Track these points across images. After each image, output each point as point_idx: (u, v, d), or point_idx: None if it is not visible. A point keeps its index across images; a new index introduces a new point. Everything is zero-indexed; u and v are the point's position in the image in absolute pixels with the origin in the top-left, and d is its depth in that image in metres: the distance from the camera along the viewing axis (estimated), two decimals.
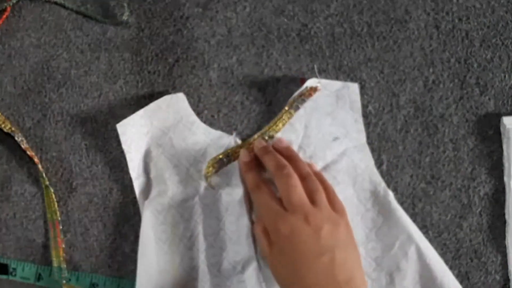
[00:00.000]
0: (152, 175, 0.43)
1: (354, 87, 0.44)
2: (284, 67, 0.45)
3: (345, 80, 0.45)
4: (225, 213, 0.42)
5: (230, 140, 0.44)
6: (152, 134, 0.43)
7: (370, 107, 0.45)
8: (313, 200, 0.37)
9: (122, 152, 0.43)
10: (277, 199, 0.37)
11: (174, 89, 0.45)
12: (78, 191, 0.44)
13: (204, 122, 0.44)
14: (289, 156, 0.40)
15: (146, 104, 0.43)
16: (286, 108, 0.43)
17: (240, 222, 0.41)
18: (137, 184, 0.43)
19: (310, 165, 0.41)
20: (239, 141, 0.44)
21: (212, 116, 0.45)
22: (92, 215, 0.44)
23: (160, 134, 0.43)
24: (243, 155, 0.41)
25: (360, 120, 0.44)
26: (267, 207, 0.37)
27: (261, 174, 0.40)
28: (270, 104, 0.45)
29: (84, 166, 0.45)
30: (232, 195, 0.42)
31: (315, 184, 0.38)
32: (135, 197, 0.44)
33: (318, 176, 0.40)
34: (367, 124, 0.44)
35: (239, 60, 0.45)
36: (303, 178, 0.38)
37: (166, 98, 0.43)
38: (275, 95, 0.45)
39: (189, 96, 0.45)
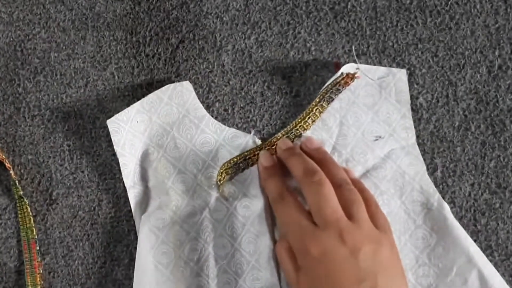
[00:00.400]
0: (150, 184, 0.43)
1: (401, 74, 0.43)
2: (315, 49, 0.45)
3: (390, 65, 0.44)
4: (242, 231, 0.41)
5: (247, 140, 0.43)
6: (151, 132, 0.43)
7: (421, 99, 0.44)
8: (350, 214, 0.37)
9: (113, 154, 0.43)
10: (306, 213, 0.38)
11: (178, 77, 0.45)
12: (59, 203, 0.44)
13: (216, 118, 0.44)
14: (321, 159, 0.40)
15: (144, 95, 0.43)
16: (317, 100, 0.42)
17: (260, 242, 0.41)
18: (132, 195, 0.43)
19: (346, 171, 0.41)
20: (258, 141, 0.43)
21: (226, 110, 0.44)
22: (77, 233, 0.44)
23: (161, 132, 0.43)
24: (264, 158, 0.41)
25: (409, 115, 0.43)
26: (293, 223, 0.37)
27: (286, 181, 0.40)
28: (297, 95, 0.45)
29: (67, 172, 0.44)
30: (250, 208, 0.41)
31: (352, 193, 0.38)
32: (129, 211, 0.43)
33: (357, 184, 0.40)
34: (417, 120, 0.44)
35: (259, 40, 0.45)
36: (338, 186, 0.38)
37: (168, 88, 0.43)
38: (304, 84, 0.45)
39: (196, 85, 0.44)
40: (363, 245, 0.35)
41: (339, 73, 0.42)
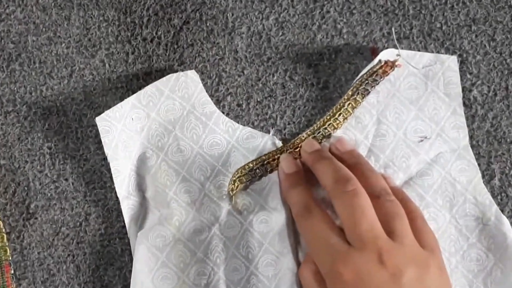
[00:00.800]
0: (148, 194, 0.44)
1: (451, 62, 0.43)
2: (347, 32, 0.45)
3: (437, 51, 0.44)
4: (259, 251, 0.41)
5: (265, 141, 0.44)
6: (149, 132, 0.43)
7: (475, 92, 0.44)
8: (390, 231, 0.37)
9: (104, 159, 0.44)
10: (337, 229, 0.38)
11: (182, 65, 0.45)
12: (38, 217, 0.44)
13: (227, 114, 0.44)
14: (355, 164, 0.40)
15: (140, 87, 0.43)
16: (350, 93, 0.42)
17: (281, 264, 0.41)
18: (127, 207, 0.43)
19: (385, 178, 0.41)
20: (279, 143, 0.44)
21: (239, 105, 0.45)
22: (60, 254, 0.44)
23: (161, 132, 0.43)
24: (286, 163, 0.41)
25: (461, 111, 0.43)
26: (322, 241, 0.37)
27: (313, 191, 0.41)
28: (325, 87, 0.45)
29: (48, 180, 0.45)
30: (269, 223, 0.42)
31: (393, 206, 0.38)
32: (123, 227, 0.44)
33: (398, 194, 0.40)
34: (470, 118, 0.44)
35: (279, 21, 0.45)
36: (376, 196, 0.38)
37: (170, 79, 0.43)
38: (333, 74, 0.45)
39: (204, 75, 0.45)
40: (406, 268, 0.35)
41: (376, 60, 0.42)
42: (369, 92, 0.42)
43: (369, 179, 0.39)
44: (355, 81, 0.42)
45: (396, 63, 0.41)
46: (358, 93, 0.42)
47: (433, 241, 0.38)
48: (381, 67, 0.41)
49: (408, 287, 0.35)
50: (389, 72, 0.41)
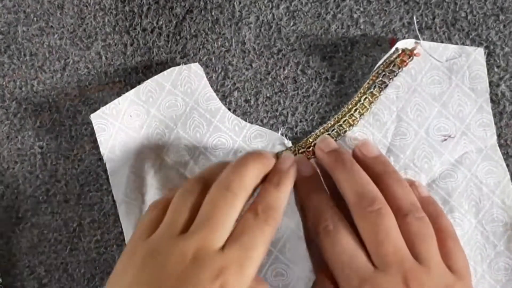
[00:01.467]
0: (148, 197, 0.43)
1: (478, 55, 0.43)
2: (363, 22, 0.44)
3: (462, 42, 0.43)
4: (268, 259, 0.42)
5: (274, 141, 0.43)
6: (148, 130, 0.43)
7: (503, 87, 0.43)
8: (417, 252, 0.36)
9: (100, 159, 0.44)
10: (362, 247, 0.37)
11: (185, 58, 0.44)
12: (28, 222, 0.44)
13: (234, 111, 0.44)
14: (381, 174, 0.39)
15: (140, 81, 0.43)
16: (366, 86, 0.42)
17: (292, 273, 0.41)
18: (124, 212, 0.43)
19: (416, 187, 0.40)
20: (289, 143, 0.43)
21: (247, 100, 0.44)
22: (51, 262, 0.44)
23: (161, 130, 0.43)
24: (301, 165, 0.40)
25: (488, 107, 0.43)
26: (347, 260, 0.36)
27: (331, 197, 0.39)
28: (340, 81, 0.44)
29: (39, 182, 0.44)
30: (279, 229, 0.41)
31: (422, 226, 0.37)
32: (121, 233, 0.44)
33: (429, 205, 0.39)
34: (498, 115, 0.43)
35: (290, 10, 0.44)
36: (404, 215, 0.37)
37: (171, 72, 0.43)
38: (349, 67, 0.44)
39: (209, 68, 0.44)
40: None
41: (393, 49, 0.42)
42: (387, 84, 0.41)
43: (396, 193, 0.38)
44: (371, 73, 0.42)
45: (415, 51, 0.41)
46: (375, 86, 0.42)
47: (464, 266, 0.37)
48: (398, 56, 0.41)
49: None
50: (407, 61, 0.41)
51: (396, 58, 0.41)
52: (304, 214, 0.40)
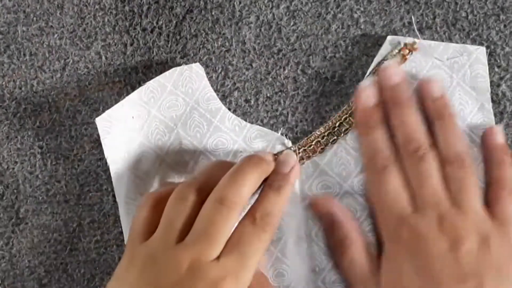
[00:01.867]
0: None
1: (479, 54, 0.42)
2: (364, 21, 0.44)
3: (463, 42, 0.43)
4: (270, 265, 0.42)
5: (275, 141, 0.43)
6: (148, 130, 0.43)
7: (503, 87, 0.43)
8: (456, 199, 0.37)
9: (100, 159, 0.44)
10: (408, 190, 0.38)
11: (185, 58, 0.44)
12: (28, 222, 0.44)
13: (234, 111, 0.44)
14: (437, 117, 0.39)
15: (140, 81, 0.44)
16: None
17: (293, 273, 0.41)
18: (125, 212, 0.43)
19: (490, 132, 0.40)
20: (289, 143, 0.43)
21: (247, 100, 0.44)
22: (51, 262, 0.44)
23: (162, 130, 0.43)
24: (364, 94, 0.40)
25: (489, 106, 0.43)
26: (390, 201, 0.37)
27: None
28: (341, 81, 0.44)
29: (39, 183, 0.44)
30: (280, 228, 0.41)
31: (465, 175, 0.37)
32: (121, 233, 0.44)
33: (498, 153, 0.39)
34: (498, 114, 0.43)
35: (290, 9, 0.44)
36: (450, 162, 0.37)
37: (173, 73, 0.43)
38: (349, 67, 0.44)
39: (209, 68, 0.44)
40: (467, 237, 0.35)
41: (385, 44, 0.42)
42: None
43: (446, 140, 0.38)
44: (369, 70, 0.42)
45: (415, 46, 0.41)
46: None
47: (507, 215, 0.37)
48: (400, 51, 0.41)
49: (467, 257, 0.35)
50: (407, 57, 0.41)
51: (397, 53, 0.41)
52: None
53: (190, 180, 0.37)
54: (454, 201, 0.37)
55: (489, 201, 0.37)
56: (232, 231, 0.35)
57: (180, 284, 0.33)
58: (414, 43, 0.42)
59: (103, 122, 0.42)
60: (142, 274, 0.33)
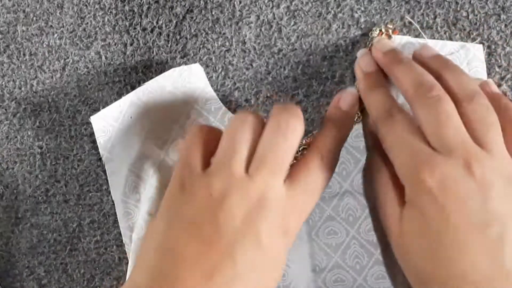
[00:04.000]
0: (146, 196, 0.43)
1: (477, 50, 0.43)
2: (364, 21, 0.44)
3: (464, 41, 0.43)
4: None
5: None
6: (148, 130, 0.43)
7: (504, 86, 0.43)
8: (479, 139, 0.35)
9: (99, 159, 0.44)
10: (422, 134, 0.36)
11: (185, 57, 0.45)
12: (27, 222, 0.45)
13: (234, 110, 0.44)
14: (443, 67, 0.38)
15: (139, 81, 0.44)
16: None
17: (292, 273, 0.41)
18: (122, 212, 0.44)
19: (487, 85, 0.40)
20: None
21: (247, 100, 0.44)
22: (51, 262, 0.44)
23: (161, 130, 0.43)
24: (364, 61, 0.41)
25: None
26: (404, 145, 0.36)
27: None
28: (341, 81, 0.44)
29: (38, 182, 0.45)
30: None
31: (485, 112, 0.36)
32: (120, 234, 0.44)
33: (498, 100, 0.38)
34: None
35: (291, 9, 0.44)
36: (469, 99, 0.36)
37: (172, 73, 0.43)
38: (350, 66, 0.44)
39: (209, 68, 0.44)
40: (496, 181, 0.34)
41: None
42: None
43: (459, 79, 0.37)
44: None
45: (395, 30, 0.42)
46: None
47: None
48: (381, 32, 0.41)
49: (497, 202, 0.33)
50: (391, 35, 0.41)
51: (380, 32, 0.41)
52: (366, 108, 0.40)
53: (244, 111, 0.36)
54: (479, 142, 0.35)
55: (507, 144, 0.36)
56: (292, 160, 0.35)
57: (249, 218, 0.33)
58: (394, 28, 0.41)
59: (98, 121, 0.42)
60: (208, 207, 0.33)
